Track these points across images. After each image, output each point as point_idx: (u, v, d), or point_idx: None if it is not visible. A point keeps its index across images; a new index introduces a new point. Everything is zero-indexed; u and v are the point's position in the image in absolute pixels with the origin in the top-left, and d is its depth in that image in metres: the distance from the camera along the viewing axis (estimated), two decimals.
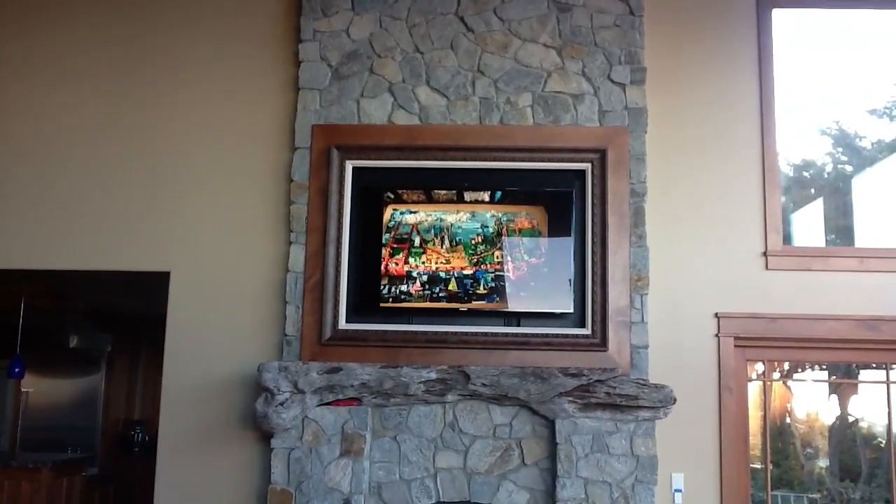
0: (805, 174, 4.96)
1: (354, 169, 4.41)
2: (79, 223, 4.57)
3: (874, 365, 4.65)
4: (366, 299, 4.31)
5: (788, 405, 4.84)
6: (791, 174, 4.87)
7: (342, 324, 4.28)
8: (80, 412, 8.24)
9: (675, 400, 3.96)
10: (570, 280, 4.25)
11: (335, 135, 4.42)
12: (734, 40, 4.62)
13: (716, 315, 4.37)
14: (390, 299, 4.27)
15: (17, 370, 7.00)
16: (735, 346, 4.35)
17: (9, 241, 4.59)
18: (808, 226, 4.83)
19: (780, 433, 4.77)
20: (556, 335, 4.21)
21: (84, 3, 4.79)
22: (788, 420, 4.82)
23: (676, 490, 4.20)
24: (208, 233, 4.52)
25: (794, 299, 4.38)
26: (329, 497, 4.02)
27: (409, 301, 4.26)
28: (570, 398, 4.00)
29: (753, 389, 4.54)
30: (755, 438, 4.50)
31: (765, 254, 4.42)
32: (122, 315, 7.98)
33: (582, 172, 4.35)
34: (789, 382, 4.84)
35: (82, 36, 4.76)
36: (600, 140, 4.35)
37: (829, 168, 5.02)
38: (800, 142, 4.83)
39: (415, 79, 4.48)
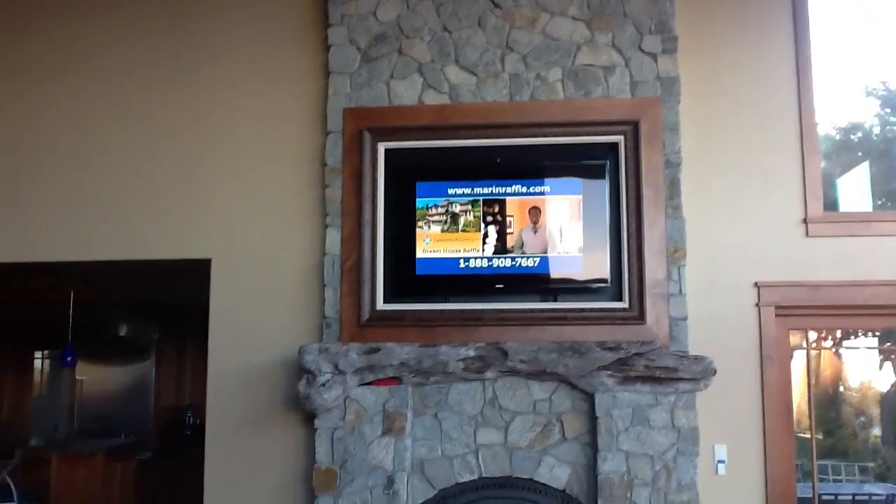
0: (852, 137, 4.82)
1: (387, 150, 4.43)
2: (118, 213, 4.67)
3: None
4: (401, 279, 4.34)
5: (840, 373, 4.75)
6: (837, 137, 4.73)
7: (380, 304, 4.31)
8: (132, 399, 8.50)
9: (715, 371, 3.93)
10: (606, 253, 4.22)
11: (366, 117, 4.43)
12: (768, 1, 4.51)
13: (755, 284, 4.30)
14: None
15: (69, 359, 7.23)
16: (776, 315, 4.28)
17: (51, 233, 4.69)
18: (855, 190, 4.70)
19: (832, 402, 4.69)
20: (594, 309, 4.19)
21: None
22: (842, 388, 4.74)
23: (719, 461, 4.18)
24: (246, 219, 4.58)
25: (837, 266, 4.29)
26: (373, 475, 4.08)
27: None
28: (609, 372, 3.99)
29: (799, 358, 4.47)
30: (803, 408, 4.43)
31: (805, 220, 4.34)
32: (168, 304, 8.16)
33: (615, 145, 4.30)
34: (840, 350, 4.74)
35: (117, 30, 4.84)
36: (633, 112, 4.30)
37: (877, 130, 4.87)
38: (845, 104, 4.69)
39: (443, 58, 4.47)
